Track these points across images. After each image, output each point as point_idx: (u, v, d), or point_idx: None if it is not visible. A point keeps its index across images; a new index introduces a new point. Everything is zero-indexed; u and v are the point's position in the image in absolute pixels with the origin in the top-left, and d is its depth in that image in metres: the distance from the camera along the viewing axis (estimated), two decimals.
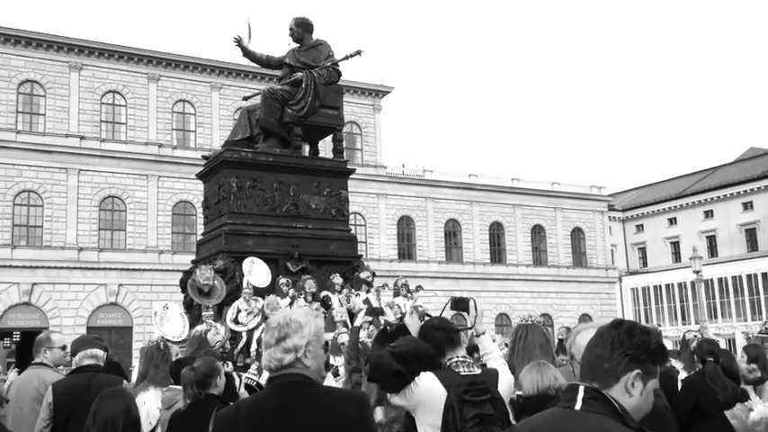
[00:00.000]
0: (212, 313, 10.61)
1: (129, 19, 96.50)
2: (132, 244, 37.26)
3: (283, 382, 2.46)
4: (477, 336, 3.85)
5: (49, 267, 34.90)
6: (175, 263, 34.90)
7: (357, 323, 9.35)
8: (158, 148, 38.62)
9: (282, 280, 11.04)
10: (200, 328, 9.83)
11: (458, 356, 3.26)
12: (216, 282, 10.84)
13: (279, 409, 2.41)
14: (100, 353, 5.03)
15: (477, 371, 3.18)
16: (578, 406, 2.01)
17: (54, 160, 35.80)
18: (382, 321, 10.32)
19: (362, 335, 7.82)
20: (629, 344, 2.02)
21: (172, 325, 9.59)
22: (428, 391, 3.13)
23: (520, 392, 3.68)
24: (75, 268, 35.49)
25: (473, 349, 8.51)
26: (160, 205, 38.12)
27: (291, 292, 10.94)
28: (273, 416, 2.39)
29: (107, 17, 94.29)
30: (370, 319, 10.06)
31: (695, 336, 7.82)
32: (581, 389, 2.04)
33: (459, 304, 3.99)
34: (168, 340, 9.35)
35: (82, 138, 36.87)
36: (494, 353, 3.75)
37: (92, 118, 37.55)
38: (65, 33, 37.35)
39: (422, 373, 3.21)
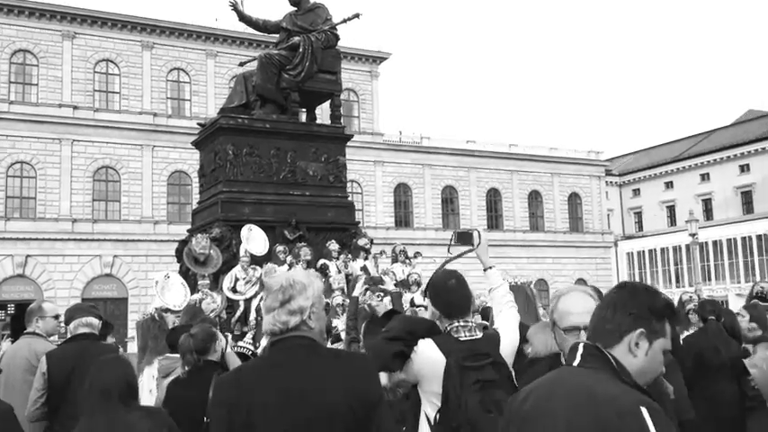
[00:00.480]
0: (208, 282, 10.55)
1: None
2: (127, 215, 37.10)
3: (290, 345, 2.38)
4: (485, 270, 3.68)
5: (43, 239, 34.78)
6: (171, 233, 34.81)
7: (355, 293, 9.29)
8: (153, 117, 38.28)
9: (279, 248, 10.96)
10: (195, 296, 9.78)
11: (459, 321, 3.14)
12: (212, 251, 10.75)
13: (286, 370, 2.33)
14: (95, 321, 4.93)
15: (479, 334, 3.07)
16: (576, 362, 1.98)
17: (47, 131, 35.48)
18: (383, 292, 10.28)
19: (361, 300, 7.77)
20: (631, 303, 1.98)
21: (173, 294, 9.52)
22: (427, 359, 3.04)
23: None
24: (69, 240, 35.37)
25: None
26: (155, 175, 37.89)
27: (289, 259, 10.87)
28: (280, 376, 2.31)
29: None
30: (367, 288, 9.99)
31: (691, 297, 7.80)
32: (581, 346, 2.02)
33: (464, 237, 3.81)
34: (170, 310, 9.32)
35: (75, 108, 36.50)
36: (501, 287, 3.61)
37: (85, 87, 37.14)
38: (57, 2, 36.76)
39: (420, 342, 3.13)
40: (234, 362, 4.48)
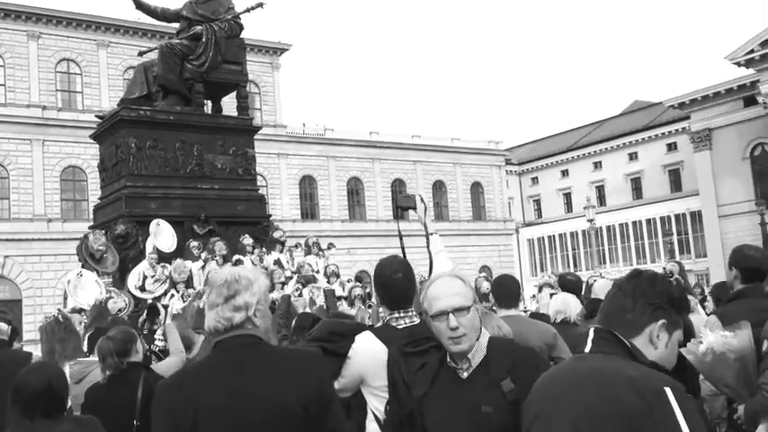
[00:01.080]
0: (110, 281, 10.15)
1: None
2: (17, 212, 35.15)
3: (236, 343, 2.26)
4: (428, 236, 3.69)
5: None
6: (66, 231, 33.24)
7: (288, 290, 9.14)
8: (42, 110, 36.35)
9: (193, 243, 10.66)
10: (99, 296, 9.38)
11: (399, 312, 3.07)
12: (109, 253, 10.34)
13: (233, 371, 2.22)
14: (4, 326, 4.60)
15: (417, 320, 3.03)
16: (588, 348, 1.91)
17: None
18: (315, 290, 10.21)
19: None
20: (651, 293, 1.91)
21: (87, 293, 9.09)
22: (367, 351, 2.96)
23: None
24: None
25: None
26: (46, 171, 36.04)
27: (204, 255, 10.59)
28: (228, 378, 2.20)
29: None
30: (300, 286, 9.87)
31: (594, 279, 8.20)
32: (591, 330, 1.94)
33: (406, 201, 3.79)
34: (84, 309, 8.88)
35: None
36: (442, 252, 3.74)
37: None
38: None
39: (356, 338, 3.05)
40: (174, 338, 4.34)
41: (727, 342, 3.19)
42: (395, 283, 3.10)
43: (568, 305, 5.14)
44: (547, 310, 5.43)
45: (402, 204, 3.80)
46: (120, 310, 9.03)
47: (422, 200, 3.80)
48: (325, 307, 9.43)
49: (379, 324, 3.25)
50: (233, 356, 2.25)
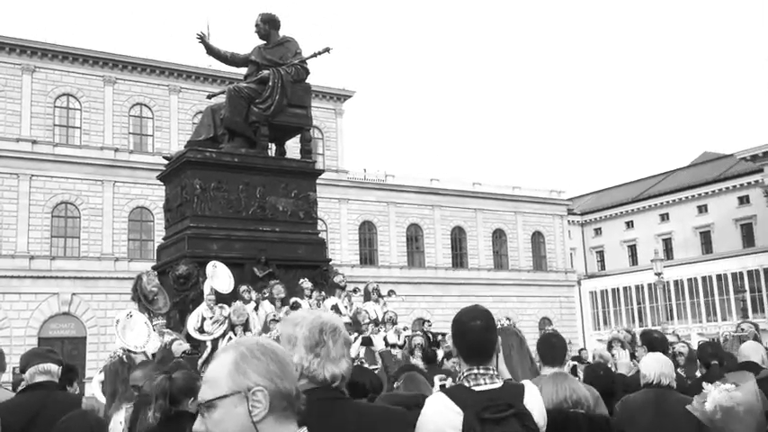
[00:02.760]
0: (164, 322, 10.16)
1: (84, 21, 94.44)
2: (86, 251, 36.16)
3: (332, 396, 2.17)
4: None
5: None
6: (132, 270, 33.89)
7: (353, 354, 8.98)
8: (114, 152, 37.63)
9: (243, 287, 10.61)
10: (165, 338, 9.37)
11: (479, 369, 2.76)
12: (161, 295, 10.40)
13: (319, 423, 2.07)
14: (54, 367, 4.38)
15: (498, 383, 2.74)
16: None
17: (4, 166, 34.58)
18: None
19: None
20: None
21: (135, 334, 9.06)
22: (439, 414, 2.65)
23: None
24: (26, 277, 34.27)
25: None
26: (116, 211, 37.11)
27: (254, 296, 10.55)
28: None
29: (61, 19, 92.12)
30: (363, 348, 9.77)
31: (725, 336, 7.67)
32: None
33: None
34: (131, 351, 8.86)
35: (34, 142, 35.71)
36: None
37: (44, 122, 36.41)
38: (17, 35, 36.18)
39: (427, 400, 2.77)
40: None
41: (732, 396, 3.05)
42: (473, 330, 2.81)
43: (671, 368, 4.72)
44: (626, 370, 5.06)
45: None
46: (185, 353, 8.98)
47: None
48: (383, 368, 9.23)
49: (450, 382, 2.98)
50: (326, 412, 2.14)
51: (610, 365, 6.25)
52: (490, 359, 2.79)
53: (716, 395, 3.12)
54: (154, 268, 12.13)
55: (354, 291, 11.85)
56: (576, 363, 6.59)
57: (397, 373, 4.53)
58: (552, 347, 4.12)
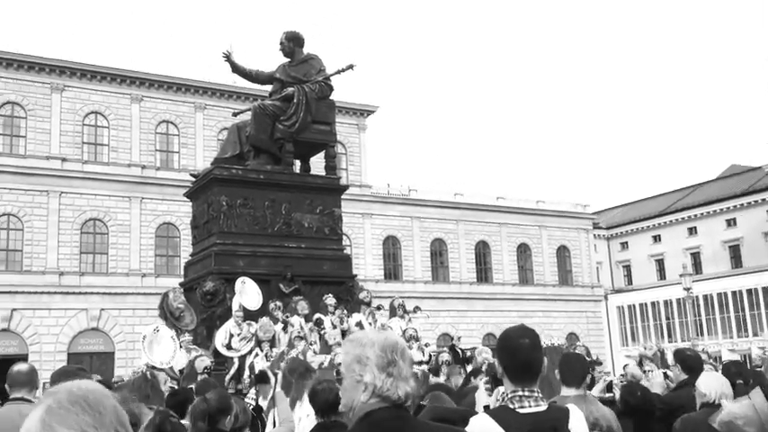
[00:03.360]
0: (191, 338, 10.22)
1: (111, 40, 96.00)
2: (114, 267, 36.59)
3: (404, 415, 2.19)
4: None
5: (30, 292, 34.14)
6: (159, 286, 34.21)
7: None
8: (141, 169, 38.12)
9: (272, 305, 10.65)
10: (191, 355, 9.44)
11: (524, 391, 2.72)
12: (187, 312, 10.49)
13: None
14: None
15: (543, 406, 2.71)
16: None
17: (35, 183, 35.18)
18: None
19: None
20: None
21: (162, 349, 9.15)
22: None
23: None
24: (55, 293, 34.75)
25: (477, 372, 8.19)
26: (143, 227, 37.54)
27: (281, 316, 10.57)
28: None
29: (88, 38, 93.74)
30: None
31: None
32: None
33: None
34: (154, 367, 8.93)
35: (63, 160, 36.31)
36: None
37: (73, 140, 37.02)
38: (46, 54, 36.88)
39: (472, 419, 2.75)
40: (284, 407, 4.18)
41: (730, 412, 3.06)
42: (521, 348, 2.78)
43: (730, 388, 4.58)
44: (660, 390, 4.98)
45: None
46: (206, 368, 9.04)
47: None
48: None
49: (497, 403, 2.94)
50: (395, 428, 2.17)
51: (643, 383, 6.16)
52: (536, 379, 2.77)
53: (722, 411, 3.22)
54: (181, 284, 12.25)
55: (378, 308, 11.83)
56: (612, 379, 6.50)
57: (425, 392, 4.54)
58: (572, 368, 4.13)
